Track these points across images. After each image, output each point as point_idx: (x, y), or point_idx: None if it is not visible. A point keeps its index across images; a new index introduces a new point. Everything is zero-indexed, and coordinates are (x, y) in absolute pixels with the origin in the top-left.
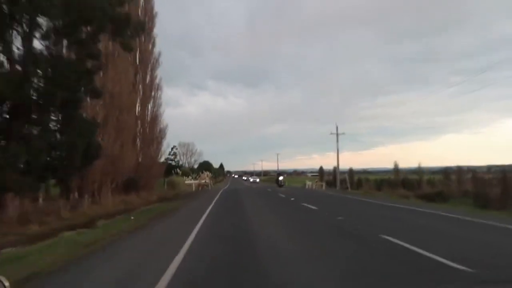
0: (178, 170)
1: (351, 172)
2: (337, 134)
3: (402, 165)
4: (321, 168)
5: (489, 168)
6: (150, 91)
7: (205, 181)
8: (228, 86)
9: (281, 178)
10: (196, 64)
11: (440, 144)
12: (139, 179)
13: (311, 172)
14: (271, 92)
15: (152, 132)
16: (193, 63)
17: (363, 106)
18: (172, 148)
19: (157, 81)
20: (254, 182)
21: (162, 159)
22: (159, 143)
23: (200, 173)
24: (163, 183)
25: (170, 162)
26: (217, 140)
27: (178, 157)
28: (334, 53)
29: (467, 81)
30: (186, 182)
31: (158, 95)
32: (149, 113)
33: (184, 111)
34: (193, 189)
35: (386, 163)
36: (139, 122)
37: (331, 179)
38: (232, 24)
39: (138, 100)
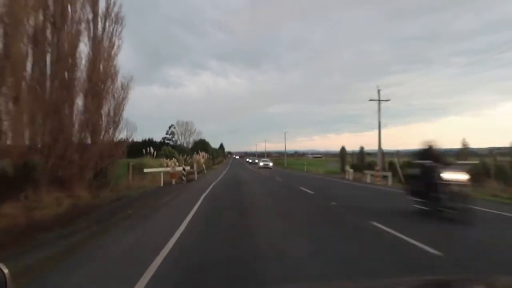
0: (151, 149)
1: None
2: (379, 101)
3: (402, 147)
4: (343, 150)
5: (491, 151)
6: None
7: (183, 169)
8: (230, 66)
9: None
10: (199, 44)
11: (441, 126)
12: (35, 167)
13: (313, 153)
14: (272, 73)
15: (93, 81)
16: (196, 43)
17: (365, 86)
18: (169, 127)
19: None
20: (266, 167)
21: (122, 136)
22: (119, 106)
23: (195, 154)
24: (126, 169)
25: (168, 141)
26: (218, 120)
27: (176, 136)
28: (336, 33)
29: (469, 62)
30: (148, 170)
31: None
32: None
33: (186, 91)
34: (162, 183)
35: (386, 145)
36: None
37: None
38: (234, 4)
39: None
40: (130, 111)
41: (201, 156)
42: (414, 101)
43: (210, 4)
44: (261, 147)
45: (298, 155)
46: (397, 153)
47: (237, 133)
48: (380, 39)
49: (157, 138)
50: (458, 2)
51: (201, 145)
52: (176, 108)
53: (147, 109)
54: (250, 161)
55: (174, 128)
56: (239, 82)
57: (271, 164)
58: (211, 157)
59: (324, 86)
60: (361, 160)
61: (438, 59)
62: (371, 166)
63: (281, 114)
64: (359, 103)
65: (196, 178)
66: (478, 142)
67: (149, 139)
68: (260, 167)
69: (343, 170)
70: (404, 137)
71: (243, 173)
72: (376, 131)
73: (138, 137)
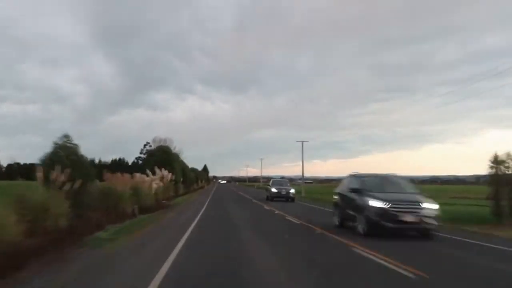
0: None
1: None
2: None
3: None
4: None
5: (478, 178)
6: None
7: None
8: (216, 91)
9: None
10: (185, 68)
11: (425, 153)
12: None
13: (299, 179)
14: (258, 98)
15: None
16: (182, 67)
17: (350, 114)
18: (144, 145)
19: None
20: (283, 196)
21: None
22: None
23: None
24: None
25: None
26: (203, 145)
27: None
28: (321, 60)
29: (452, 92)
30: None
31: None
32: None
33: (173, 116)
34: None
35: (373, 171)
36: None
37: None
38: (221, 29)
39: None
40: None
41: (153, 179)
42: (399, 129)
43: (196, 29)
44: (246, 172)
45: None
46: None
47: (222, 157)
48: (365, 67)
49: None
50: (441, 33)
51: (162, 157)
52: (162, 131)
53: (134, 132)
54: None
55: (150, 146)
56: (225, 107)
57: (292, 191)
58: (179, 180)
59: (310, 112)
60: None
61: (422, 88)
62: None
63: (267, 139)
64: (344, 130)
65: None
66: (463, 169)
67: (120, 159)
68: (272, 196)
69: None
70: (388, 164)
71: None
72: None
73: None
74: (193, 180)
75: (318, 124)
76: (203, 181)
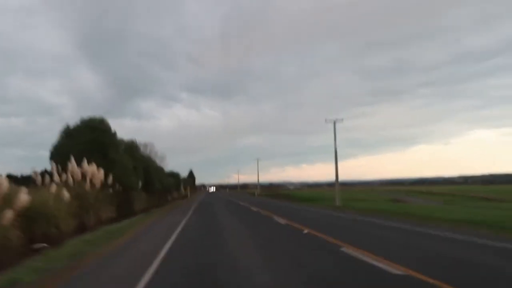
0: None
1: None
2: None
3: (374, 176)
4: None
5: (465, 179)
6: None
7: None
8: (202, 98)
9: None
10: (170, 76)
11: (411, 155)
12: None
13: (288, 184)
14: (244, 105)
15: None
16: (167, 75)
17: (336, 118)
18: None
19: None
20: None
21: None
22: None
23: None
24: None
25: None
26: (190, 152)
27: None
28: (306, 66)
29: (436, 93)
30: None
31: None
32: None
33: (159, 124)
34: None
35: (360, 175)
36: None
37: None
38: (205, 37)
39: None
40: None
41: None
42: (384, 132)
43: (180, 37)
44: (234, 178)
45: (274, 187)
46: None
47: (210, 165)
48: (349, 72)
49: None
50: (423, 35)
51: (87, 140)
52: (148, 140)
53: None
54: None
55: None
56: (211, 114)
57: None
58: (133, 185)
59: (296, 117)
60: None
61: (406, 91)
62: None
63: (254, 145)
64: (329, 134)
65: None
66: (450, 170)
67: None
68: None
69: None
70: (374, 166)
71: None
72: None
73: None
74: (171, 187)
75: (304, 129)
76: (187, 189)
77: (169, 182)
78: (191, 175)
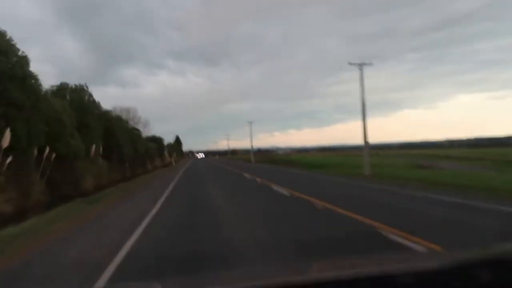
0: None
1: None
2: None
3: (361, 141)
4: None
5: (451, 143)
6: None
7: None
8: (187, 65)
9: None
10: (155, 43)
11: (397, 120)
12: None
13: (277, 149)
14: (231, 71)
15: None
16: (151, 42)
17: (322, 83)
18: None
19: None
20: None
21: None
22: None
23: None
24: None
25: None
26: (177, 119)
27: None
28: (291, 31)
29: (422, 58)
30: None
31: None
32: None
33: (144, 92)
34: None
35: (345, 140)
36: None
37: None
38: (189, 3)
39: None
40: None
41: None
42: (371, 96)
43: (164, 4)
44: (222, 144)
45: (263, 152)
46: None
47: (197, 131)
48: (335, 36)
49: None
50: (410, 0)
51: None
52: (139, 112)
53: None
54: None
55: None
56: (198, 81)
57: None
58: (78, 150)
59: (282, 83)
60: None
61: (392, 55)
62: None
63: (241, 112)
64: (317, 99)
65: None
66: (436, 134)
67: None
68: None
69: None
70: (359, 131)
71: None
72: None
73: None
74: (152, 153)
75: (290, 94)
76: (173, 156)
77: (148, 148)
78: (177, 141)
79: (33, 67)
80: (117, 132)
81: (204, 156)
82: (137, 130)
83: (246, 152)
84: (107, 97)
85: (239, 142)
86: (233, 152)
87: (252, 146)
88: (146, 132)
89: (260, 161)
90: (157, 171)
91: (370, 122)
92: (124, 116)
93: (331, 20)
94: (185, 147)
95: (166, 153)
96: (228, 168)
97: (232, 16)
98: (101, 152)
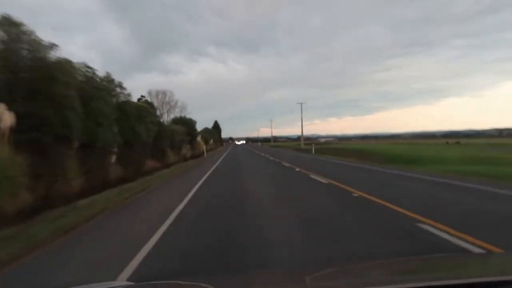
0: None
1: None
2: None
3: (402, 129)
4: None
5: (500, 132)
6: None
7: None
8: (228, 52)
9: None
10: (197, 30)
11: (441, 108)
12: None
13: (318, 137)
14: (272, 58)
15: None
16: (194, 29)
17: (364, 71)
18: (139, 100)
19: None
20: None
21: None
22: None
23: None
24: None
25: None
26: (217, 107)
27: None
28: (335, 17)
29: (469, 44)
30: None
31: None
32: None
33: (186, 79)
34: None
35: (389, 128)
36: None
37: None
38: None
39: None
40: None
41: None
42: (415, 85)
43: None
44: (263, 132)
45: (305, 140)
46: None
47: (237, 119)
48: (380, 23)
49: None
50: None
51: None
52: (176, 96)
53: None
54: None
55: (145, 99)
56: (238, 68)
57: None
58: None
59: (324, 71)
60: None
61: (438, 42)
62: None
63: (282, 99)
64: (359, 87)
65: None
66: (481, 123)
67: None
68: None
69: None
70: (404, 119)
71: None
72: (379, 114)
73: None
74: (178, 140)
75: (332, 82)
76: (206, 144)
77: (169, 132)
78: (216, 126)
79: (79, 55)
80: (100, 106)
81: (244, 142)
82: (149, 104)
83: (287, 139)
84: (151, 83)
85: (278, 130)
86: (274, 139)
87: (302, 132)
88: (184, 116)
89: (320, 152)
90: (177, 166)
91: (415, 110)
92: (159, 100)
93: (375, 5)
94: (226, 134)
95: (199, 139)
96: (285, 163)
97: (275, 2)
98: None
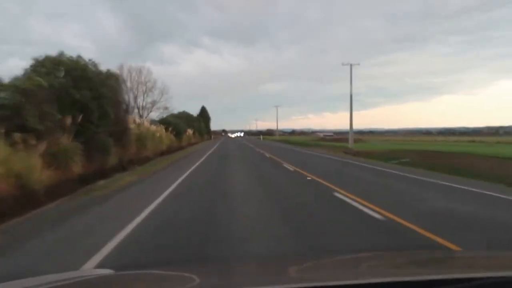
0: None
1: None
2: None
3: (396, 126)
4: None
5: (496, 131)
6: None
7: None
8: (224, 43)
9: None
10: (192, 21)
11: (436, 105)
12: None
13: (312, 132)
14: (267, 50)
15: None
16: (189, 19)
17: (361, 65)
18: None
19: None
20: None
21: None
22: None
23: None
24: None
25: None
26: (211, 98)
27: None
28: (331, 10)
29: (464, 41)
30: None
31: None
32: None
33: (180, 69)
34: None
35: (383, 124)
36: None
37: None
38: None
39: None
40: None
41: None
42: (408, 80)
43: None
44: (258, 124)
45: (296, 134)
46: None
47: (232, 111)
48: (376, 16)
49: None
50: None
51: None
52: (170, 86)
53: None
54: None
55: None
56: (234, 60)
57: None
58: None
59: (319, 64)
60: None
61: (432, 38)
62: None
63: (276, 92)
64: (354, 82)
65: None
66: (475, 121)
67: None
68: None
69: None
70: (398, 115)
71: None
72: (373, 109)
73: None
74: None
75: (327, 76)
76: (195, 136)
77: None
78: (203, 114)
79: (73, 43)
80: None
81: (242, 135)
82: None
83: (282, 133)
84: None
85: (271, 123)
86: (270, 133)
87: (351, 125)
88: (167, 104)
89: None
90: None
91: (410, 106)
92: (133, 79)
93: (370, 0)
94: (219, 126)
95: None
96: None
97: None
98: None
